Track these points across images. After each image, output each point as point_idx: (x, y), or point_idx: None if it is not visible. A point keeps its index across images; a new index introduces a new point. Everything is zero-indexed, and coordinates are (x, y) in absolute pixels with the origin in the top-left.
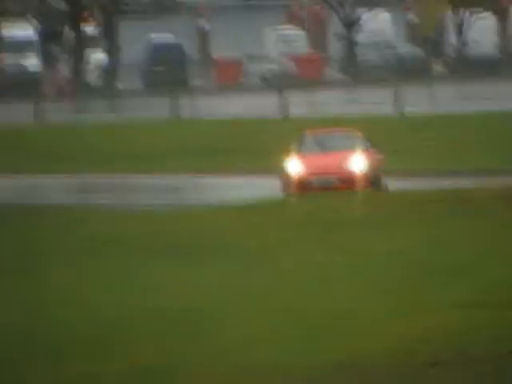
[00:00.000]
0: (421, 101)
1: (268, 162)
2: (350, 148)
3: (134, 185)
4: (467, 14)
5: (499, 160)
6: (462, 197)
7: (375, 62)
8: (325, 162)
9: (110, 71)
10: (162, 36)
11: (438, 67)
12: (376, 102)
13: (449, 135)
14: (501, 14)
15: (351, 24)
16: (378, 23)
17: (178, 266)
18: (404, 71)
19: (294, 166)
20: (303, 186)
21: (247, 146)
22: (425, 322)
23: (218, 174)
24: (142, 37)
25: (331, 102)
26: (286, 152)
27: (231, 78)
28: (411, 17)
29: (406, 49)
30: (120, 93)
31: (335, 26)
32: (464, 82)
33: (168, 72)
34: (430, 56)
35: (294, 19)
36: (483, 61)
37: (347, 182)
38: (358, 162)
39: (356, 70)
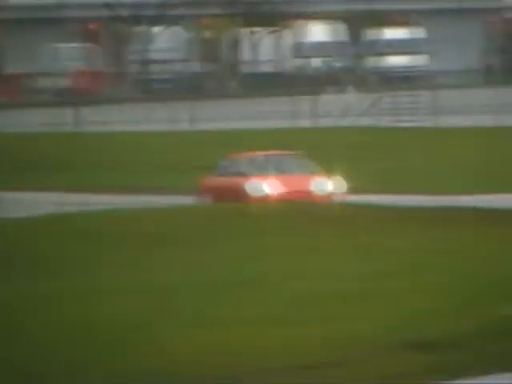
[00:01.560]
0: (215, 116)
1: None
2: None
3: None
4: (259, 33)
5: None
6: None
7: (169, 79)
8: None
9: None
10: None
11: (232, 83)
12: (171, 119)
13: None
14: (287, 33)
15: (148, 41)
16: (171, 40)
17: None
18: (193, 87)
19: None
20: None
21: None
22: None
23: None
24: None
25: (125, 119)
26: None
27: (13, 94)
28: (207, 35)
29: (195, 66)
30: None
31: (133, 43)
32: (256, 99)
33: None
34: (224, 73)
35: (90, 36)
36: (273, 76)
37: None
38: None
39: (149, 88)
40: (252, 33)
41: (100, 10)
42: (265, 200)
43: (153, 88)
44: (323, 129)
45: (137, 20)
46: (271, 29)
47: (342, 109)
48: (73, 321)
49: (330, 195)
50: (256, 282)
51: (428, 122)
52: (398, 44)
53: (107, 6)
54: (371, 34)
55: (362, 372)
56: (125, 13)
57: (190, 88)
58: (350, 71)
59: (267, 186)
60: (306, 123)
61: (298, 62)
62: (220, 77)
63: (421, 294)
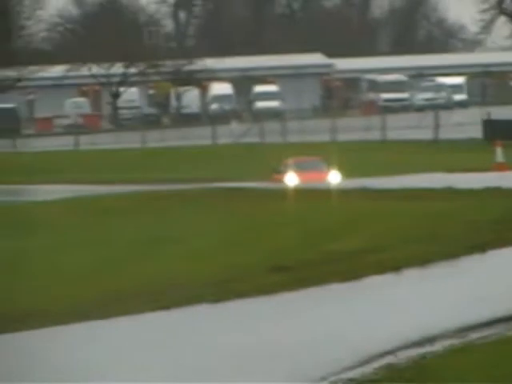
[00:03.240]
0: (156, 138)
1: None
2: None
3: None
4: (183, 88)
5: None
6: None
7: (130, 118)
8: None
9: None
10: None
11: (166, 120)
12: (131, 141)
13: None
14: (202, 88)
15: (115, 96)
16: (131, 95)
17: None
18: (146, 122)
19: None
20: None
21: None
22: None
23: None
24: None
25: (106, 141)
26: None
27: (47, 128)
28: (151, 91)
29: (147, 109)
30: None
31: (107, 96)
32: (182, 128)
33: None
34: (161, 113)
35: (83, 93)
36: (192, 115)
37: None
38: None
39: (118, 123)
40: (179, 89)
41: (88, 79)
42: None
43: (121, 123)
44: (224, 144)
45: (110, 83)
46: (191, 86)
47: (230, 133)
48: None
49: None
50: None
51: (281, 140)
52: (264, 94)
53: (93, 76)
54: (249, 88)
55: (242, 287)
56: (103, 80)
57: (143, 122)
58: (234, 112)
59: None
60: (209, 142)
61: (206, 106)
62: (159, 115)
63: (277, 238)
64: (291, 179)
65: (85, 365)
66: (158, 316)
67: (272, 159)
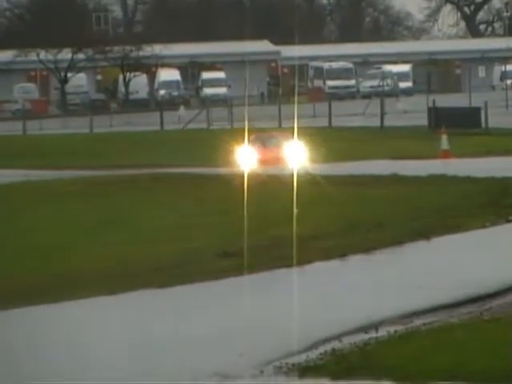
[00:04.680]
0: (104, 124)
1: None
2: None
3: None
4: (131, 74)
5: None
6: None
7: (77, 103)
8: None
9: None
10: None
11: (113, 105)
12: (79, 127)
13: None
14: (149, 74)
15: (63, 81)
16: (79, 80)
17: None
18: (94, 108)
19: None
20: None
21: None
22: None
23: None
24: None
25: (54, 127)
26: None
27: None
28: (99, 77)
29: (94, 95)
30: None
31: (55, 82)
32: (130, 114)
33: None
34: (109, 99)
35: (31, 78)
36: (140, 101)
37: None
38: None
39: (66, 108)
40: (127, 75)
41: (37, 64)
42: None
43: (69, 108)
44: (172, 130)
45: (58, 69)
46: (139, 72)
47: (178, 119)
48: None
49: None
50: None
51: (228, 125)
52: (211, 81)
53: (41, 61)
54: (196, 75)
55: (192, 270)
56: (51, 65)
57: (90, 108)
58: (182, 98)
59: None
60: (157, 128)
61: (154, 92)
62: (107, 101)
63: (224, 223)
64: (253, 156)
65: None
66: (100, 301)
67: (219, 145)
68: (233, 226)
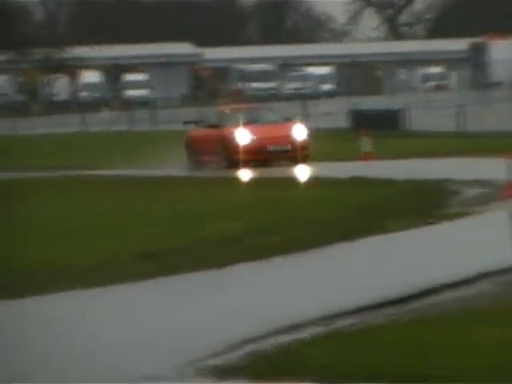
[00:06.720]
0: (25, 127)
1: None
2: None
3: None
4: (53, 76)
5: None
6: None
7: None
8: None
9: None
10: None
11: (35, 107)
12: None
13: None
14: (72, 76)
15: None
16: (0, 82)
17: None
18: (14, 110)
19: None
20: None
21: None
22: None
23: None
24: None
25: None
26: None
27: None
28: (21, 78)
29: (15, 97)
30: None
31: None
32: (53, 116)
33: None
34: (30, 101)
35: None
36: (62, 103)
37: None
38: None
39: None
40: (49, 77)
41: None
42: None
43: None
44: (95, 132)
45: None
46: (61, 74)
47: (100, 121)
48: None
49: None
50: None
51: (147, 128)
52: (134, 83)
53: None
54: (118, 77)
55: (105, 274)
56: None
57: (12, 110)
58: (104, 99)
59: None
60: (78, 129)
61: (76, 94)
62: (28, 103)
63: (148, 224)
64: (242, 136)
65: None
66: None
67: (143, 147)
68: (156, 226)
